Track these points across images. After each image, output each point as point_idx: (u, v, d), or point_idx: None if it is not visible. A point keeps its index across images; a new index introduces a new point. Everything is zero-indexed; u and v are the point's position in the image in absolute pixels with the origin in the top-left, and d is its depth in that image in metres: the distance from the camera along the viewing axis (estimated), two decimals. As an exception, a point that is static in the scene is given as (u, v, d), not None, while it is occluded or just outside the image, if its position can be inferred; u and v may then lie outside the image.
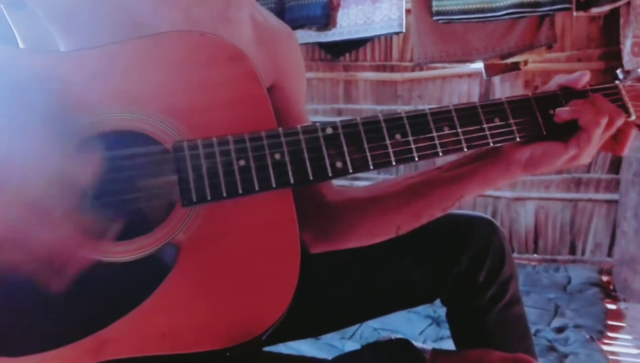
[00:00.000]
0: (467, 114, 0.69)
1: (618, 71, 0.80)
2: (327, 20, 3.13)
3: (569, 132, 0.71)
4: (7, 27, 0.71)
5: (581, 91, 0.74)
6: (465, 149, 0.68)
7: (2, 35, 0.73)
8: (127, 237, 0.55)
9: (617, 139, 0.74)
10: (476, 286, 0.87)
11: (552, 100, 0.73)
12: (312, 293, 0.83)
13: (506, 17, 2.71)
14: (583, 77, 0.74)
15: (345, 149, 0.63)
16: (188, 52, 0.62)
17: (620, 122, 0.71)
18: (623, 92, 0.75)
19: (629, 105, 0.75)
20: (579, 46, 3.31)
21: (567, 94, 0.73)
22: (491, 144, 0.70)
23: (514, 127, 0.70)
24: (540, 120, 0.71)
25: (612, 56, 3.06)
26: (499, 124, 0.70)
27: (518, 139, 0.71)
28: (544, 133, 0.72)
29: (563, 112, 0.71)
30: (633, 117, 0.75)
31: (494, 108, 0.70)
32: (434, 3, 2.86)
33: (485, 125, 0.69)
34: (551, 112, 0.72)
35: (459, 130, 0.68)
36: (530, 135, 0.71)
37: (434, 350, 0.78)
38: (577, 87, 0.74)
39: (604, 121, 0.69)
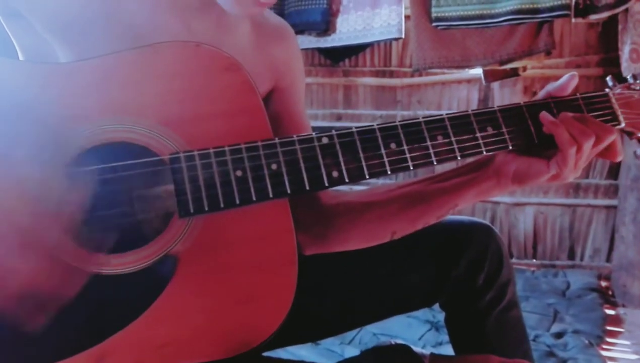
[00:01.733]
0: (460, 122, 0.69)
1: (608, 79, 0.81)
2: (326, 26, 3.14)
3: None
4: (7, 38, 0.71)
5: (571, 99, 0.74)
6: (459, 158, 0.69)
7: (2, 44, 0.73)
8: (123, 249, 0.55)
9: (607, 148, 0.74)
10: (475, 289, 0.88)
11: (543, 108, 0.73)
12: (311, 298, 0.84)
13: (505, 23, 2.71)
14: (572, 80, 0.74)
15: (341, 158, 0.64)
16: (184, 63, 0.62)
17: (611, 138, 0.72)
18: (613, 100, 0.76)
19: (619, 112, 0.76)
20: (577, 52, 3.32)
21: (558, 102, 0.74)
22: (484, 153, 0.70)
23: (507, 136, 0.71)
24: (532, 128, 0.72)
25: (611, 62, 3.07)
26: (491, 132, 0.70)
27: (510, 148, 0.71)
28: (536, 141, 0.72)
29: (545, 124, 0.72)
30: (622, 125, 0.76)
31: (487, 116, 0.71)
32: (433, 9, 2.86)
33: (478, 134, 0.70)
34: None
35: (453, 138, 0.68)
36: (522, 143, 0.72)
37: (432, 355, 0.79)
38: (567, 92, 0.75)
39: (589, 143, 0.70)
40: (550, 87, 0.75)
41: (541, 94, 0.76)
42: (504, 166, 0.76)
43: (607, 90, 0.78)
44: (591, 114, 0.74)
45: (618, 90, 0.78)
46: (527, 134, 0.72)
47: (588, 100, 0.75)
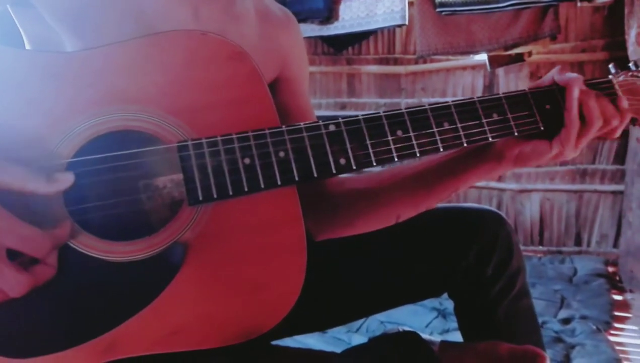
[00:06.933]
0: (466, 109, 0.69)
1: (610, 66, 0.81)
2: (329, 14, 3.12)
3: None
4: (14, 26, 0.71)
5: None
6: (465, 144, 0.69)
7: (8, 33, 0.73)
8: (131, 237, 0.55)
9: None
10: (484, 279, 0.87)
11: (548, 95, 0.73)
12: (320, 287, 0.84)
13: (510, 8, 2.69)
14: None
15: (348, 145, 0.63)
16: (190, 52, 0.62)
17: (615, 123, 0.73)
18: (616, 87, 0.76)
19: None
20: (583, 37, 3.29)
21: (562, 89, 0.74)
22: (490, 139, 0.70)
23: (512, 122, 0.71)
24: (538, 115, 0.72)
25: (617, 47, 3.04)
26: (497, 119, 0.70)
27: (516, 134, 0.71)
28: (542, 128, 0.72)
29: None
30: None
31: (492, 103, 0.71)
32: (437, -5, 2.85)
33: (484, 120, 0.70)
34: (547, 107, 0.73)
35: (459, 125, 0.68)
36: (528, 129, 0.72)
37: (443, 342, 0.79)
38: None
39: (596, 124, 0.71)
40: (558, 77, 0.75)
41: (546, 79, 0.76)
42: (505, 150, 0.77)
43: (610, 76, 0.78)
44: None
45: (621, 77, 0.78)
46: (533, 120, 0.72)
47: (592, 87, 0.75)
